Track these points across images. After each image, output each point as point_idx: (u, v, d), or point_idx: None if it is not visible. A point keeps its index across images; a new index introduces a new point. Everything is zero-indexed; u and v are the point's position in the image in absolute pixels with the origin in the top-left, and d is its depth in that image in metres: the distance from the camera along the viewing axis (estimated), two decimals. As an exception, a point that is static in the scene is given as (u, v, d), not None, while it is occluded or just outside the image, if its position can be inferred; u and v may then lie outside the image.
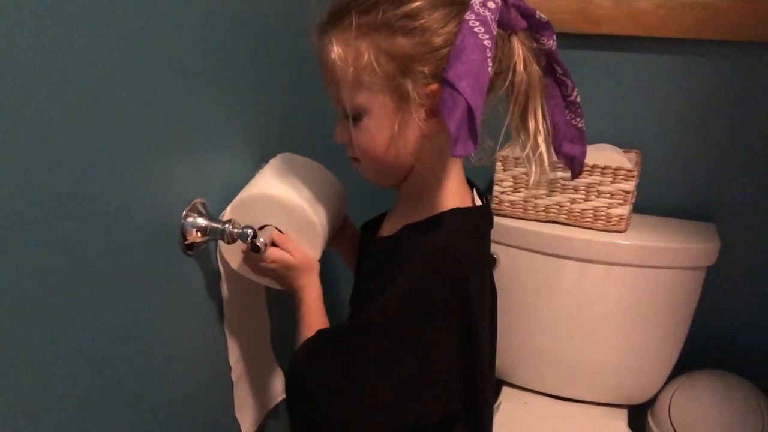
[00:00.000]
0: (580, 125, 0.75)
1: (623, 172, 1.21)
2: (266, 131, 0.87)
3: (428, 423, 0.71)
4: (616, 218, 1.25)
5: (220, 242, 0.78)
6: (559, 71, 0.71)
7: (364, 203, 0.99)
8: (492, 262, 0.80)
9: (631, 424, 1.35)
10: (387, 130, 0.70)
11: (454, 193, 0.75)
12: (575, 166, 0.76)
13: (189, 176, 0.71)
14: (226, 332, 0.82)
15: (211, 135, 0.75)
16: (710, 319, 1.40)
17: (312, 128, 1.02)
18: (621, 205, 1.24)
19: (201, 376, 0.79)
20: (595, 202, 1.25)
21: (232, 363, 0.84)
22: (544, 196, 1.26)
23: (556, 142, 0.73)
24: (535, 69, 0.68)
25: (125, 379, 0.65)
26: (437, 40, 0.66)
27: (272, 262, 0.77)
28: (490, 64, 0.63)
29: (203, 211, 0.73)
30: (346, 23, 0.67)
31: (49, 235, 0.52)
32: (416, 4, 0.66)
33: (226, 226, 0.72)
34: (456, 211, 0.73)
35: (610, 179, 1.23)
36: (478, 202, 0.78)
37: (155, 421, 0.71)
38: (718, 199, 1.36)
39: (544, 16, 0.69)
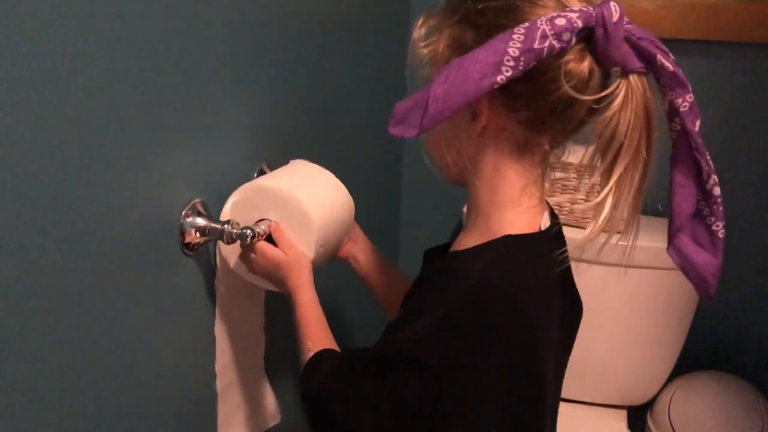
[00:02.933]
0: (715, 228, 0.63)
1: (623, 172, 1.21)
2: (267, 132, 0.87)
3: None
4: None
5: (220, 241, 0.78)
6: (692, 145, 0.62)
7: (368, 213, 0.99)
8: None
9: (630, 425, 1.35)
10: (445, 130, 0.66)
11: (516, 219, 0.67)
12: (690, 275, 0.65)
13: (188, 176, 0.71)
14: (216, 334, 0.80)
15: (211, 135, 0.74)
16: (710, 320, 1.40)
17: (313, 129, 1.02)
18: (621, 205, 1.24)
19: (194, 377, 0.79)
20: (596, 203, 1.25)
21: (218, 370, 0.81)
22: (544, 196, 1.26)
23: (670, 230, 0.64)
24: (630, 121, 0.59)
25: (119, 378, 0.65)
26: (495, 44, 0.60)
27: (262, 258, 0.75)
28: (505, 73, 0.57)
29: (202, 212, 0.72)
30: (442, 7, 0.66)
31: (48, 234, 0.52)
32: (497, 3, 0.62)
33: (225, 226, 0.72)
34: (507, 239, 0.65)
35: (611, 180, 1.23)
36: (546, 224, 0.69)
37: (141, 420, 0.70)
38: (718, 199, 1.35)
39: (670, 66, 0.60)
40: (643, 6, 1.27)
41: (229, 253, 0.79)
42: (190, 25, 0.67)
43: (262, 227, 0.75)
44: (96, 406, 0.61)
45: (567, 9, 0.60)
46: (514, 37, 0.58)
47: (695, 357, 1.39)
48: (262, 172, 0.85)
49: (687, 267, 0.64)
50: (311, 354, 0.71)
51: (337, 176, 0.84)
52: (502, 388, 0.64)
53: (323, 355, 0.71)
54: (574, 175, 1.25)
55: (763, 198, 1.33)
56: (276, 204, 0.76)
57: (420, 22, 0.68)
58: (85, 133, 0.55)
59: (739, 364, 1.40)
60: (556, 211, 0.70)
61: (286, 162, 0.88)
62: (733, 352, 1.43)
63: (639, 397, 1.37)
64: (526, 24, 0.58)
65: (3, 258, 0.48)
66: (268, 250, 0.75)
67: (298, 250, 0.76)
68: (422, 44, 0.67)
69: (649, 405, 1.39)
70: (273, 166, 0.86)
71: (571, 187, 1.25)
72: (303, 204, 0.76)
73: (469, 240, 0.68)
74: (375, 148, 1.35)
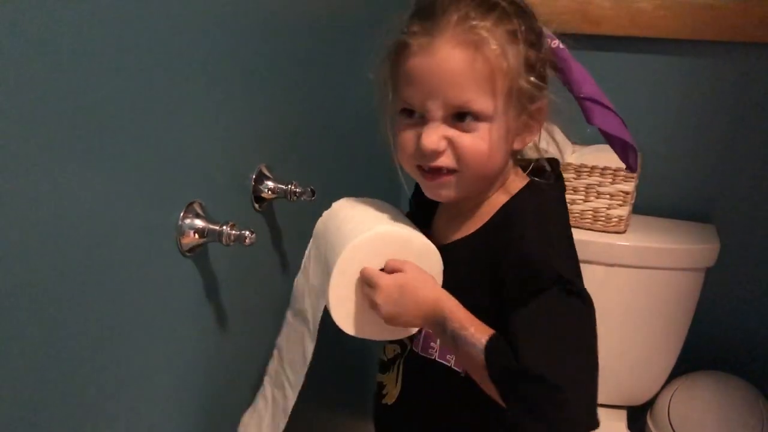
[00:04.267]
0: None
1: (623, 173, 1.21)
2: (266, 132, 0.87)
3: None
4: (615, 219, 1.25)
5: (333, 307, 0.73)
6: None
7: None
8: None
9: (630, 426, 1.35)
10: (503, 138, 0.69)
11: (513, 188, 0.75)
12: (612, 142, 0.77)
13: (187, 177, 0.71)
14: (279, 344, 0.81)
15: (211, 135, 0.74)
16: (709, 320, 1.40)
17: (313, 129, 1.02)
18: (620, 206, 1.24)
19: (192, 378, 0.79)
20: (595, 203, 1.25)
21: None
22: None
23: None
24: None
25: (117, 379, 0.65)
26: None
27: (383, 289, 0.69)
28: None
29: (201, 213, 0.72)
30: (500, 18, 0.66)
31: (45, 234, 0.52)
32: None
33: (224, 227, 0.72)
34: (527, 186, 0.74)
35: (610, 180, 1.23)
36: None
37: (137, 424, 0.70)
38: (718, 199, 1.35)
39: None
40: (641, 6, 1.27)
41: (345, 315, 0.74)
42: (189, 24, 0.67)
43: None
44: (93, 407, 0.61)
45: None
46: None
47: (695, 357, 1.39)
48: (261, 174, 0.85)
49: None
50: (490, 347, 0.65)
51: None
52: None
53: (503, 343, 0.65)
54: (574, 176, 1.25)
55: (763, 198, 1.33)
56: (395, 248, 0.73)
57: (470, 32, 0.68)
58: (82, 132, 0.55)
59: (739, 364, 1.40)
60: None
61: (285, 162, 0.87)
62: (733, 352, 1.43)
63: (639, 397, 1.37)
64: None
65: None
66: (381, 278, 0.70)
67: (414, 265, 0.71)
68: (491, 64, 0.68)
69: (649, 405, 1.39)
70: (272, 167, 0.86)
71: (571, 188, 1.25)
72: (424, 240, 0.74)
73: (468, 227, 0.75)
74: (375, 148, 1.35)
